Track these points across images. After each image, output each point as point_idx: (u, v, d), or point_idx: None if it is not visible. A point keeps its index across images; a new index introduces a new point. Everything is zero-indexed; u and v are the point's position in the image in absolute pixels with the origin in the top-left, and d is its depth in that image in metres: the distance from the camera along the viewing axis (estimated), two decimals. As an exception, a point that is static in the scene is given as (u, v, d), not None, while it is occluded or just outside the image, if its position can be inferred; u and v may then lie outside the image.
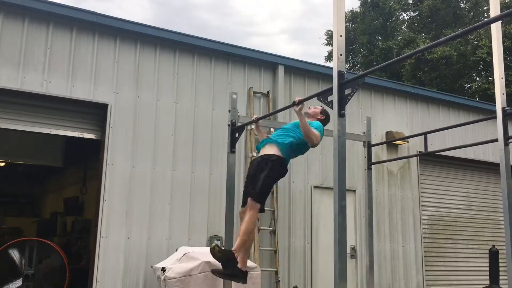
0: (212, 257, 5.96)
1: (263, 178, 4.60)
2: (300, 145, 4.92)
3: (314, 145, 4.85)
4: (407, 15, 25.98)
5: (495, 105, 3.88)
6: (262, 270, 6.80)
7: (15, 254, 7.09)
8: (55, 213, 14.09)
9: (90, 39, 7.13)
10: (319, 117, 5.11)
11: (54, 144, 10.02)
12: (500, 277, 8.72)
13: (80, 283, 7.59)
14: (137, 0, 64.43)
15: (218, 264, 5.76)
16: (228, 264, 4.48)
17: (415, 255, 9.41)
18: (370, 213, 5.60)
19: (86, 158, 10.98)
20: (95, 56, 7.11)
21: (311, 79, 8.86)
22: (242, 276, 4.56)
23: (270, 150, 4.80)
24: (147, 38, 7.48)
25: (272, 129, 8.10)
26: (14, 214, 14.98)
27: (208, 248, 7.08)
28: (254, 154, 7.83)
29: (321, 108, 5.18)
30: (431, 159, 10.03)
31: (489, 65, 20.15)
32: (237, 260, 4.52)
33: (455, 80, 21.21)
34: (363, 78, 3.27)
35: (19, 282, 6.98)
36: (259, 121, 5.36)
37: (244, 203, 4.83)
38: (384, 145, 9.27)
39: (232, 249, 4.59)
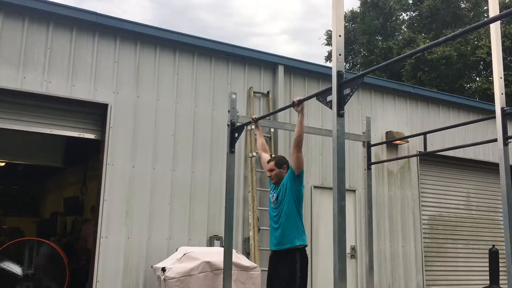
0: (211, 257, 5.99)
1: (299, 281, 4.47)
2: (300, 206, 4.73)
3: (298, 143, 4.54)
4: (407, 15, 26.00)
5: (494, 105, 3.88)
6: (262, 270, 6.80)
7: (14, 254, 7.09)
8: (55, 213, 14.07)
9: (90, 39, 7.13)
10: (284, 172, 4.86)
11: (54, 144, 10.02)
12: (500, 277, 8.73)
13: (80, 283, 7.59)
14: (137, 0, 64.45)
15: (218, 264, 5.77)
16: None
17: (415, 255, 9.41)
18: (369, 213, 5.60)
19: (86, 158, 10.97)
20: (95, 56, 7.11)
21: (311, 79, 8.87)
22: None
23: (284, 240, 4.65)
24: (147, 38, 7.48)
25: (272, 129, 8.13)
26: (14, 214, 14.97)
27: (208, 248, 7.11)
28: (254, 154, 7.83)
29: (273, 163, 4.92)
30: (431, 159, 10.03)
31: (489, 65, 20.15)
32: None
33: (455, 80, 21.21)
34: (362, 78, 3.27)
35: (19, 282, 6.98)
36: (259, 121, 5.32)
37: None
38: (384, 145, 9.28)
39: None
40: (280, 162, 4.90)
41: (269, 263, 4.92)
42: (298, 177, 4.64)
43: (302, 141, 4.53)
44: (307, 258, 4.70)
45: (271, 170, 4.91)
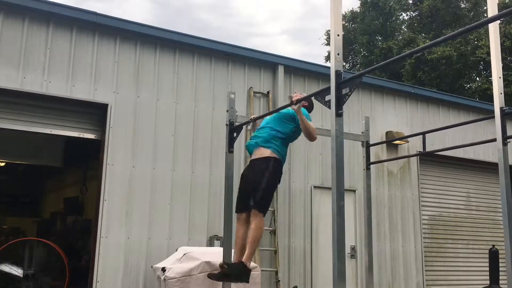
0: (211, 257, 5.99)
1: (265, 184, 4.41)
2: (290, 138, 4.78)
3: (313, 140, 4.66)
4: (407, 15, 26.00)
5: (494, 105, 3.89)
6: (262, 270, 6.81)
7: (14, 254, 7.10)
8: (55, 213, 14.09)
9: (90, 39, 7.14)
10: (304, 105, 4.76)
11: (54, 144, 10.03)
12: (500, 277, 8.72)
13: (80, 283, 7.59)
14: (137, 0, 64.46)
15: (218, 264, 5.77)
16: (242, 276, 4.35)
17: (415, 255, 9.41)
18: (369, 213, 5.59)
19: (86, 158, 10.98)
20: (95, 56, 7.12)
21: (311, 79, 8.87)
22: (246, 275, 4.37)
23: (265, 152, 4.58)
24: (147, 38, 7.49)
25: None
26: (14, 214, 14.97)
27: (208, 248, 7.11)
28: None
29: (302, 95, 4.89)
30: (431, 159, 10.03)
31: (489, 65, 20.11)
32: (249, 267, 4.38)
33: (455, 80, 21.21)
34: (361, 77, 3.27)
35: (19, 282, 6.98)
36: (257, 120, 5.31)
37: (240, 209, 4.62)
38: (384, 145, 9.28)
39: (243, 259, 4.38)
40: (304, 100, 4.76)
41: (241, 175, 4.89)
42: (295, 121, 4.66)
43: (313, 136, 4.55)
44: (280, 170, 4.62)
45: (296, 95, 4.72)
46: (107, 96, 7.10)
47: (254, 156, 4.71)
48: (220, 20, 66.49)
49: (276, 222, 7.85)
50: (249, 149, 4.82)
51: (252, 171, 4.62)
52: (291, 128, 4.73)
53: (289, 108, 4.62)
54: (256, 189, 4.43)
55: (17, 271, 7.01)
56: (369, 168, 5.47)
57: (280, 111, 4.85)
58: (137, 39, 7.44)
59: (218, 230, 7.41)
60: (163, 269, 5.86)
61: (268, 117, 4.96)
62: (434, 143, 9.31)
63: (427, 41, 21.14)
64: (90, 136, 7.24)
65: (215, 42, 8.02)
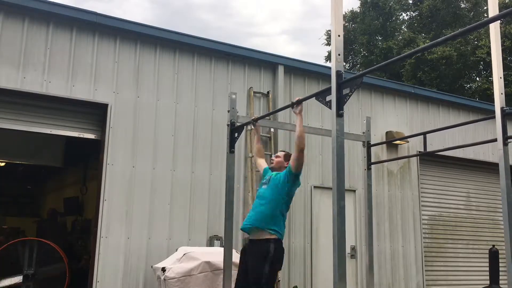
0: (211, 257, 5.99)
1: (268, 271, 4.36)
2: (286, 206, 4.72)
3: (301, 152, 4.57)
4: (407, 15, 25.98)
5: (494, 105, 3.88)
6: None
7: (15, 254, 7.09)
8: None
9: (90, 39, 7.13)
10: (285, 165, 4.79)
11: (54, 144, 10.02)
12: (500, 277, 8.73)
13: (80, 283, 7.59)
14: (137, 0, 64.45)
15: (218, 264, 5.77)
16: None
17: (415, 255, 9.41)
18: (369, 213, 5.60)
19: (86, 158, 10.97)
20: (95, 56, 7.12)
21: (311, 79, 8.87)
22: None
23: (264, 234, 4.50)
24: (147, 38, 7.49)
25: (272, 129, 8.13)
26: (14, 214, 14.97)
27: (208, 248, 7.11)
28: (254, 154, 7.82)
29: (283, 153, 5.00)
30: (431, 159, 10.03)
31: (489, 65, 20.13)
32: None
33: (455, 80, 21.20)
34: (362, 78, 3.27)
35: (19, 282, 6.97)
36: (258, 121, 5.33)
37: None
38: (384, 145, 9.27)
39: None
40: (288, 156, 4.91)
41: (241, 251, 4.86)
42: (294, 176, 4.62)
43: (303, 142, 4.54)
44: (282, 251, 4.56)
45: (277, 157, 4.99)
46: (107, 96, 7.09)
47: (252, 237, 4.65)
48: (220, 20, 66.52)
49: (276, 222, 7.84)
50: (246, 229, 4.74)
51: (252, 256, 4.55)
52: (285, 191, 4.66)
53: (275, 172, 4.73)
54: (258, 277, 4.38)
55: (17, 271, 6.99)
56: (370, 168, 5.48)
57: (272, 179, 4.80)
58: (137, 39, 7.43)
59: (218, 230, 7.42)
60: (163, 269, 5.86)
61: (262, 188, 4.87)
62: (434, 143, 9.31)
63: (427, 41, 21.13)
64: (90, 136, 7.23)
65: (215, 42, 8.02)
